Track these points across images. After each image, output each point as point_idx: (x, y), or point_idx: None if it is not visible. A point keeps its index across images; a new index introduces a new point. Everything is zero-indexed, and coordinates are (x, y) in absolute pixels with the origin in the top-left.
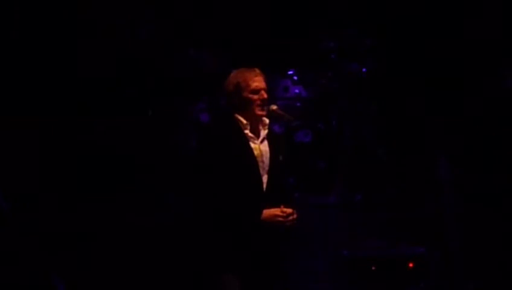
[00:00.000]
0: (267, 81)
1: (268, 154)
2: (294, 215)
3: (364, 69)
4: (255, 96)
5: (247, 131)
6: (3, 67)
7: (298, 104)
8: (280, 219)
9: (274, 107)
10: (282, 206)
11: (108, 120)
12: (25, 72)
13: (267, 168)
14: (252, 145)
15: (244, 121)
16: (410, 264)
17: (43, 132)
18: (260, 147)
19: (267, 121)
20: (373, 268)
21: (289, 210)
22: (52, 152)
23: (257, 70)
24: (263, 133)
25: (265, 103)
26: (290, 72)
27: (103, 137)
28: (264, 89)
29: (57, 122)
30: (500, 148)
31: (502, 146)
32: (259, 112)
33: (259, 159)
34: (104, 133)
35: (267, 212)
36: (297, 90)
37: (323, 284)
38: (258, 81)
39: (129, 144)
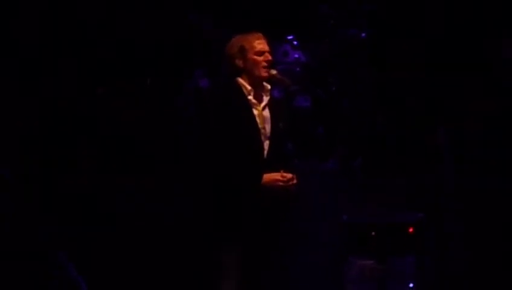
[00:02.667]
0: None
1: (269, 121)
2: (294, 181)
3: (363, 34)
4: (260, 58)
5: (250, 97)
6: None
7: (298, 69)
8: (280, 183)
9: (274, 72)
10: (282, 171)
11: (107, 87)
12: None
13: (268, 134)
14: (255, 111)
15: (249, 87)
16: (410, 229)
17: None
18: (262, 113)
19: (268, 87)
20: (373, 233)
21: (289, 175)
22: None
23: (260, 34)
24: (265, 99)
25: (270, 65)
26: (290, 37)
27: (102, 105)
28: (268, 52)
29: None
30: (499, 118)
31: (500, 116)
32: (264, 74)
33: (261, 125)
34: (104, 102)
35: (268, 176)
36: (296, 55)
37: (322, 249)
38: (262, 44)
39: (128, 111)
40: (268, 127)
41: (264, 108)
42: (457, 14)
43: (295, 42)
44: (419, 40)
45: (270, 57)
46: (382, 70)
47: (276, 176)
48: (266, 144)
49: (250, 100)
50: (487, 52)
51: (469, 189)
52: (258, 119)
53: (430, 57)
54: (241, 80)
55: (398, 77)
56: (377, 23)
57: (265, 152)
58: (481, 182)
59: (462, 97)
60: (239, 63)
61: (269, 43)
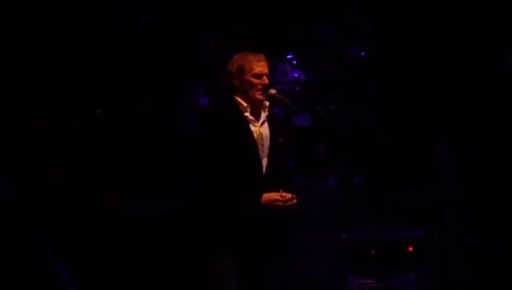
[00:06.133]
0: (269, 67)
1: (268, 137)
2: (294, 201)
3: (363, 53)
4: (257, 81)
5: (247, 114)
6: None
7: (297, 88)
8: (280, 203)
9: (273, 91)
10: (281, 191)
11: (107, 102)
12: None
13: (267, 151)
14: (252, 128)
15: (245, 104)
16: (410, 248)
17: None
18: (260, 130)
19: (267, 103)
20: (372, 252)
21: (289, 195)
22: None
23: (262, 56)
24: (263, 116)
25: (266, 89)
26: (289, 57)
27: (102, 120)
28: (266, 75)
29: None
30: (501, 130)
31: (502, 127)
32: (259, 97)
33: (259, 142)
34: (104, 117)
35: (267, 196)
36: (296, 75)
37: (322, 268)
38: (262, 66)
39: (128, 128)
40: (266, 144)
41: (262, 124)
42: (457, 26)
43: (294, 62)
44: (420, 56)
45: (267, 81)
46: (382, 82)
47: (275, 196)
48: (265, 160)
49: (247, 117)
50: (488, 63)
51: (470, 197)
52: (256, 136)
53: (429, 68)
54: (237, 98)
55: (399, 89)
56: (377, 39)
57: (264, 169)
58: (482, 190)
59: (462, 107)
60: (236, 82)
61: (269, 64)
